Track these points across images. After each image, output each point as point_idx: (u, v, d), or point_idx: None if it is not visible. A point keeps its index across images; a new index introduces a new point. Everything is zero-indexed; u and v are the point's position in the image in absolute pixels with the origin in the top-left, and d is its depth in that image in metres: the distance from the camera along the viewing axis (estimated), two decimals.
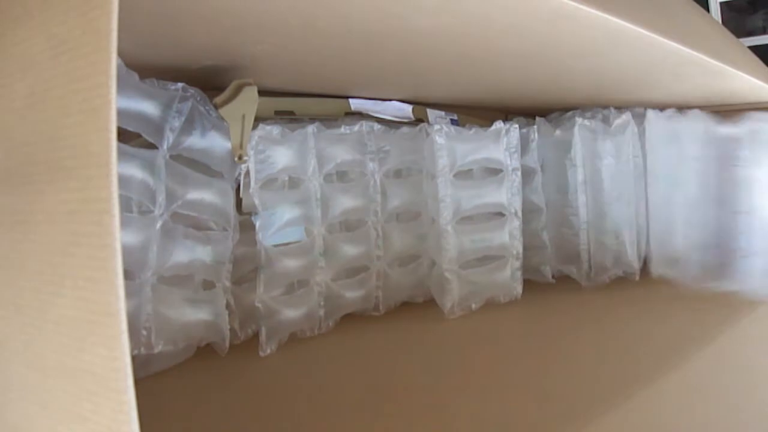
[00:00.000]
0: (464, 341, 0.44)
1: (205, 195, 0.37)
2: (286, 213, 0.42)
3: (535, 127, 0.56)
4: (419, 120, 0.54)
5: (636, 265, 0.57)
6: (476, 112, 0.62)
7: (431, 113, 0.56)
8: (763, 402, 0.38)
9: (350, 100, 0.50)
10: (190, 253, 0.36)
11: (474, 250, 0.50)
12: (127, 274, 0.33)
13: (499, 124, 0.51)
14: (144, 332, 0.34)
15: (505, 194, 0.51)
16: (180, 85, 0.36)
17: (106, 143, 0.15)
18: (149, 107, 0.34)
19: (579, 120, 0.56)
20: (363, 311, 0.49)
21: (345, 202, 0.46)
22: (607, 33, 0.33)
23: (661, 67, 0.45)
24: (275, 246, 0.42)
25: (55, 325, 0.16)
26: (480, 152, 0.50)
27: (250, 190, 0.40)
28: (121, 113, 0.33)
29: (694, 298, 0.56)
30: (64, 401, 0.16)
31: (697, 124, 0.57)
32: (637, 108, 0.64)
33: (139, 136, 0.34)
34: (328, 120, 0.47)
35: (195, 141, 0.37)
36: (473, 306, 0.50)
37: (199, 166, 0.37)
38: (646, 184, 0.57)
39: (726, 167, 0.56)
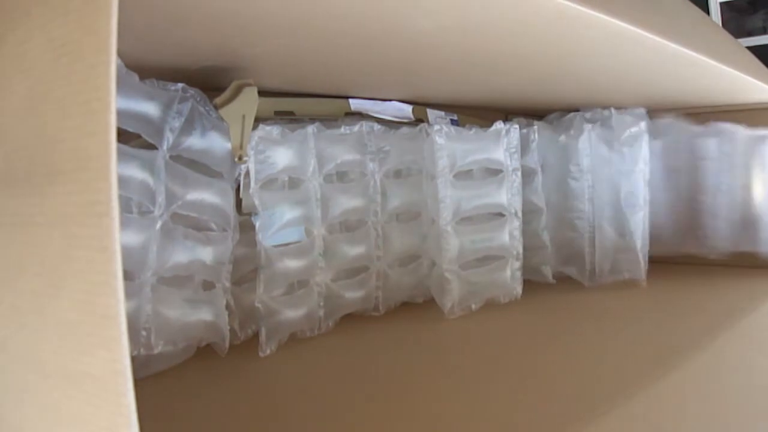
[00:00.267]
0: (464, 341, 0.44)
1: (205, 195, 0.37)
2: (286, 213, 0.42)
3: (535, 127, 0.56)
4: (419, 120, 0.54)
5: (642, 268, 0.57)
6: (476, 112, 0.62)
7: (431, 113, 0.56)
8: (763, 402, 0.38)
9: (350, 100, 0.50)
10: (190, 253, 0.36)
11: (474, 250, 0.50)
12: (127, 275, 0.33)
13: (499, 125, 0.51)
14: (144, 333, 0.34)
15: (505, 194, 0.51)
16: (180, 85, 0.36)
17: (106, 146, 0.15)
18: (149, 108, 0.34)
19: (588, 127, 0.56)
20: (363, 311, 0.49)
21: (345, 203, 0.46)
22: (607, 34, 0.33)
23: (660, 68, 0.45)
24: (275, 246, 0.41)
25: (55, 327, 0.16)
26: (480, 152, 0.50)
27: (250, 191, 0.40)
28: (121, 114, 0.33)
29: (694, 298, 0.56)
30: (64, 404, 0.16)
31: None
32: (637, 108, 0.64)
33: (139, 136, 0.34)
34: (328, 120, 0.47)
35: (195, 141, 0.37)
36: (473, 306, 0.50)
37: (199, 166, 0.37)
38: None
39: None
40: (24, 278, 0.17)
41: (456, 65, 0.42)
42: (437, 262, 0.49)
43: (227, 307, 0.39)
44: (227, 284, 0.39)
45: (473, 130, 0.50)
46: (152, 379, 0.36)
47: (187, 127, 0.36)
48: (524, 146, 0.54)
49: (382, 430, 0.29)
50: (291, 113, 0.46)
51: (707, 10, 1.02)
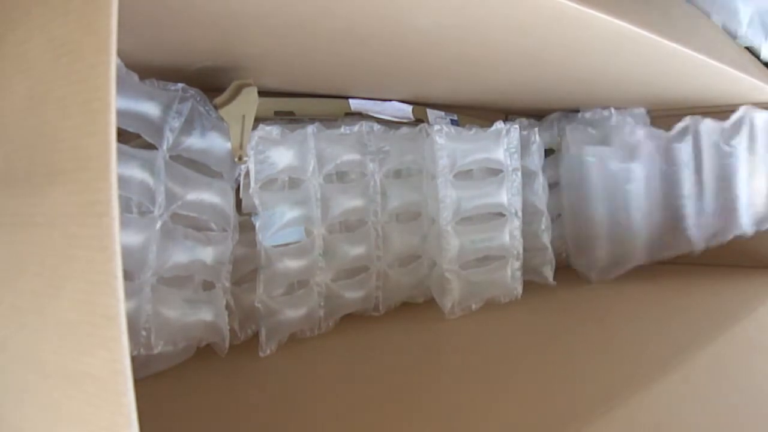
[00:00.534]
0: (464, 341, 0.44)
1: (204, 195, 0.37)
2: (286, 213, 0.42)
3: (536, 129, 0.56)
4: (419, 120, 0.54)
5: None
6: (476, 113, 0.62)
7: (431, 113, 0.56)
8: (762, 403, 0.38)
9: (350, 101, 0.50)
10: (190, 253, 0.36)
11: (474, 250, 0.50)
12: (127, 275, 0.33)
13: (499, 125, 0.51)
14: (144, 333, 0.34)
15: (506, 195, 0.51)
16: (180, 85, 0.36)
17: (106, 145, 0.15)
18: (149, 108, 0.34)
19: (604, 152, 0.58)
20: (363, 311, 0.49)
21: (345, 203, 0.46)
22: (607, 34, 0.33)
23: (660, 68, 0.45)
24: (275, 246, 0.41)
25: (55, 327, 0.16)
26: (480, 153, 0.50)
27: (250, 191, 0.40)
28: (121, 114, 0.33)
29: (694, 298, 0.56)
30: (64, 403, 0.16)
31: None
32: (637, 108, 0.65)
33: (138, 136, 0.34)
34: (328, 120, 0.47)
35: (195, 141, 0.37)
36: (473, 306, 0.50)
37: (198, 166, 0.37)
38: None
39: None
40: (24, 278, 0.17)
41: (456, 65, 0.42)
42: (437, 262, 0.49)
43: (227, 307, 0.39)
44: (227, 284, 0.39)
45: (473, 130, 0.50)
46: (152, 379, 0.36)
47: (187, 127, 0.36)
48: (525, 148, 0.54)
49: (383, 429, 0.29)
50: (291, 113, 0.46)
51: None
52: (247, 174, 0.40)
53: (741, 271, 0.64)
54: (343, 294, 0.46)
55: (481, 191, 0.50)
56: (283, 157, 0.42)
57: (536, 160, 0.56)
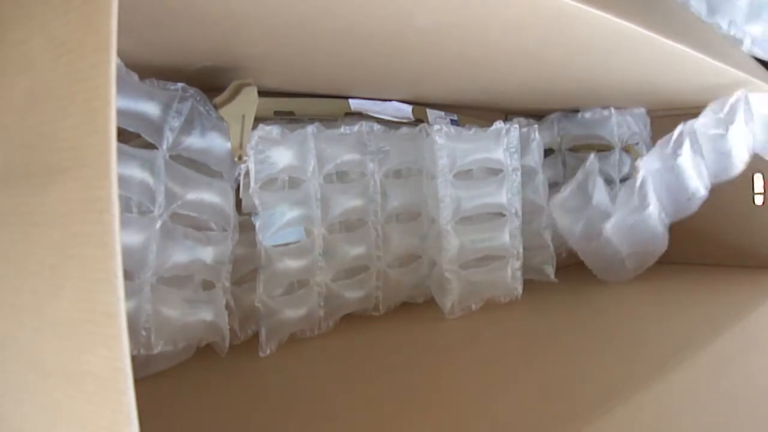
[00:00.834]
0: (464, 341, 0.44)
1: (204, 195, 0.37)
2: (286, 213, 0.42)
3: (536, 126, 0.56)
4: (419, 120, 0.54)
5: None
6: (476, 112, 0.62)
7: (431, 113, 0.56)
8: (762, 403, 0.38)
9: (350, 101, 0.50)
10: (190, 253, 0.36)
11: (474, 250, 0.50)
12: (127, 275, 0.33)
13: (499, 124, 0.51)
14: (144, 332, 0.34)
15: (506, 194, 0.51)
16: (180, 85, 0.36)
17: (106, 144, 0.15)
18: (149, 107, 0.34)
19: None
20: (363, 311, 0.49)
21: (345, 202, 0.46)
22: (607, 33, 0.33)
23: (661, 67, 0.45)
24: (275, 246, 0.41)
25: (55, 325, 0.16)
26: (480, 152, 0.50)
27: (250, 191, 0.40)
28: (121, 113, 0.33)
29: (694, 298, 0.56)
30: (64, 402, 0.16)
31: None
32: (637, 108, 0.65)
33: (138, 136, 0.34)
34: (328, 120, 0.47)
35: (194, 141, 0.37)
36: (473, 306, 0.50)
37: (198, 166, 0.37)
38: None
39: None
40: (24, 277, 0.17)
41: (456, 65, 0.42)
42: (437, 261, 0.49)
43: (227, 306, 0.39)
44: (227, 284, 0.39)
45: (473, 129, 0.50)
46: (152, 379, 0.36)
47: (187, 127, 0.36)
48: (524, 145, 0.54)
49: (383, 429, 0.29)
50: (291, 113, 0.46)
51: None
52: (247, 174, 0.40)
53: (741, 271, 0.64)
54: (343, 294, 0.46)
55: (480, 191, 0.50)
56: (283, 156, 0.42)
57: (536, 157, 0.56)
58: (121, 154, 0.32)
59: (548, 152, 0.64)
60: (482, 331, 0.46)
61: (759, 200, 0.65)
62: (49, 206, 0.17)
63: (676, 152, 0.56)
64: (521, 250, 0.52)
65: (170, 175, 0.35)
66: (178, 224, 0.36)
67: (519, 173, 0.52)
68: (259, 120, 0.40)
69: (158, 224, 0.35)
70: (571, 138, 0.65)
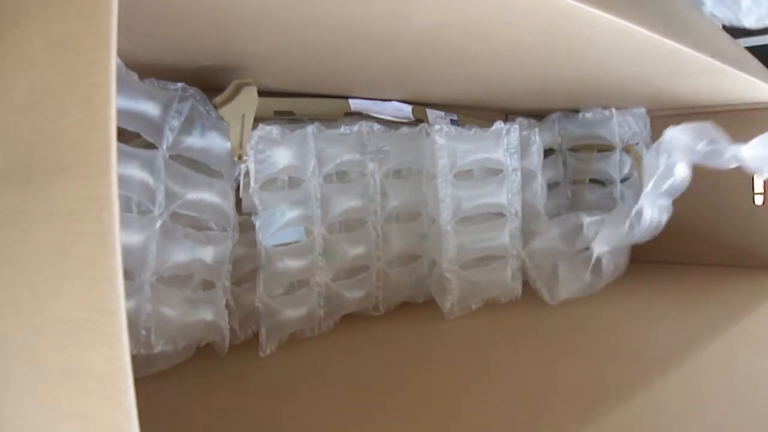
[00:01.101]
0: (464, 341, 0.44)
1: (204, 195, 0.37)
2: (286, 213, 0.42)
3: (536, 129, 0.56)
4: (419, 120, 0.54)
5: None
6: (476, 112, 0.62)
7: (431, 113, 0.56)
8: (762, 403, 0.38)
9: (350, 100, 0.50)
10: (190, 253, 0.36)
11: (474, 250, 0.50)
12: (127, 274, 0.33)
13: (499, 125, 0.51)
14: (144, 332, 0.33)
15: (506, 194, 0.51)
16: (179, 85, 0.36)
17: (106, 142, 0.15)
18: (149, 107, 0.34)
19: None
20: (363, 311, 0.49)
21: (345, 202, 0.46)
22: (607, 33, 0.33)
23: (661, 67, 0.45)
24: (275, 246, 0.41)
25: (55, 324, 0.16)
26: (480, 152, 0.50)
27: (250, 190, 0.40)
28: (121, 113, 0.33)
29: (694, 298, 0.56)
30: (64, 400, 0.16)
31: None
32: (637, 108, 0.65)
33: (138, 136, 0.34)
34: (328, 120, 0.47)
35: (194, 141, 0.37)
36: (473, 306, 0.50)
37: (198, 166, 0.37)
38: None
39: None
40: (24, 275, 0.17)
41: (456, 65, 0.42)
42: (437, 261, 0.49)
43: (227, 306, 0.39)
44: (227, 284, 0.39)
45: (473, 130, 0.50)
46: (152, 379, 0.36)
47: (187, 127, 0.36)
48: (524, 148, 0.54)
49: (383, 429, 0.29)
50: (291, 113, 0.46)
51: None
52: (247, 173, 0.40)
53: (741, 271, 0.64)
54: (343, 294, 0.46)
55: (481, 191, 0.50)
56: (282, 156, 0.42)
57: (535, 160, 0.55)
58: (121, 153, 0.32)
59: (548, 152, 0.64)
60: (482, 331, 0.46)
61: (759, 200, 0.65)
62: (49, 205, 0.17)
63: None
64: (521, 250, 0.52)
65: (170, 174, 0.35)
66: (178, 224, 0.36)
67: (519, 173, 0.52)
68: (259, 120, 0.40)
69: (158, 224, 0.35)
70: (572, 138, 0.65)
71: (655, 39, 0.34)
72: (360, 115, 0.50)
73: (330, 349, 0.42)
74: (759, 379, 0.40)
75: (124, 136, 0.34)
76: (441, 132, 0.47)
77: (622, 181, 0.64)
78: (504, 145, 0.51)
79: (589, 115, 0.64)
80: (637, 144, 0.65)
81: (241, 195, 0.41)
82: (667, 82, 0.52)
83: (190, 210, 0.37)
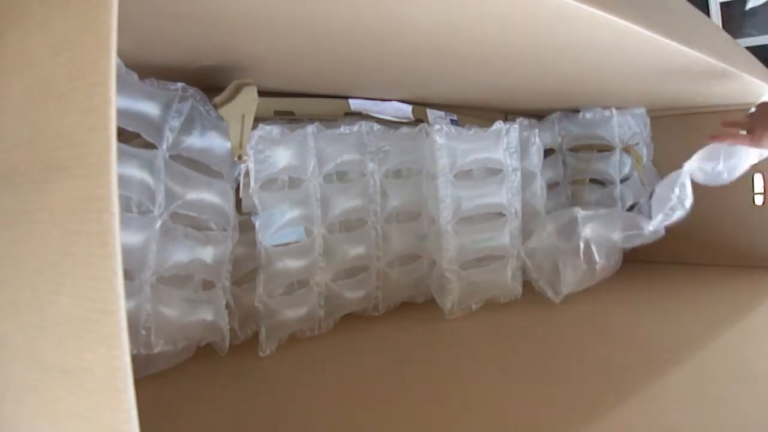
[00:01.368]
0: (464, 341, 0.44)
1: (204, 195, 0.37)
2: (286, 213, 0.42)
3: (536, 130, 0.56)
4: (419, 120, 0.54)
5: None
6: (476, 112, 0.62)
7: (431, 113, 0.56)
8: (762, 403, 0.38)
9: (350, 101, 0.50)
10: (190, 253, 0.36)
11: (474, 250, 0.50)
12: (127, 274, 0.33)
13: (499, 124, 0.51)
14: (144, 332, 0.33)
15: (505, 194, 0.51)
16: (180, 85, 0.36)
17: (106, 142, 0.15)
18: (149, 107, 0.34)
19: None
20: (363, 311, 0.49)
21: (345, 202, 0.46)
22: (608, 33, 0.33)
23: (662, 67, 0.45)
24: (275, 246, 0.41)
25: (55, 324, 0.16)
26: (480, 152, 0.50)
27: (250, 190, 0.40)
28: (121, 113, 0.33)
29: (694, 298, 0.56)
30: (64, 400, 0.16)
31: None
32: (637, 108, 0.65)
33: (138, 136, 0.34)
34: (328, 120, 0.47)
35: (194, 141, 0.37)
36: (473, 306, 0.50)
37: (198, 166, 0.37)
38: None
39: None
40: (24, 275, 0.17)
41: (455, 64, 0.42)
42: (437, 261, 0.49)
43: (227, 306, 0.39)
44: (227, 284, 0.39)
45: (473, 129, 0.50)
46: (152, 379, 0.36)
47: (187, 127, 0.36)
48: (524, 149, 0.54)
49: (383, 429, 0.29)
50: (291, 113, 0.46)
51: (707, 11, 1.02)
52: (247, 173, 0.40)
53: (741, 271, 0.64)
54: (343, 294, 0.46)
55: (481, 191, 0.50)
56: (282, 156, 0.42)
57: (535, 161, 0.55)
58: (121, 153, 0.32)
59: (548, 152, 0.64)
60: (482, 331, 0.46)
61: (759, 200, 0.65)
62: (49, 204, 0.17)
63: None
64: (521, 250, 0.52)
65: (170, 174, 0.35)
66: (178, 224, 0.36)
67: (519, 173, 0.52)
68: (259, 120, 0.40)
69: (158, 224, 0.34)
70: (572, 138, 0.65)
71: (655, 39, 0.34)
72: (360, 115, 0.50)
73: (330, 349, 0.42)
74: (759, 379, 0.40)
75: (124, 135, 0.34)
76: (441, 132, 0.47)
77: (622, 181, 0.64)
78: (504, 144, 0.51)
79: (589, 115, 0.64)
80: (637, 144, 0.65)
81: (241, 195, 0.40)
82: (667, 82, 0.52)
83: (190, 210, 0.36)
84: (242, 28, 0.30)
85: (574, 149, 0.66)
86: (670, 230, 0.54)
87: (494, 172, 0.51)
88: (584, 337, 0.44)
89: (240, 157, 0.38)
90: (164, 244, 0.35)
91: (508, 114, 0.66)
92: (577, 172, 0.66)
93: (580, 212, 0.53)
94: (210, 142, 0.37)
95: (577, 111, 0.65)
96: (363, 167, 0.47)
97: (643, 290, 0.59)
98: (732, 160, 0.51)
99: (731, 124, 0.52)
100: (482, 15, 0.30)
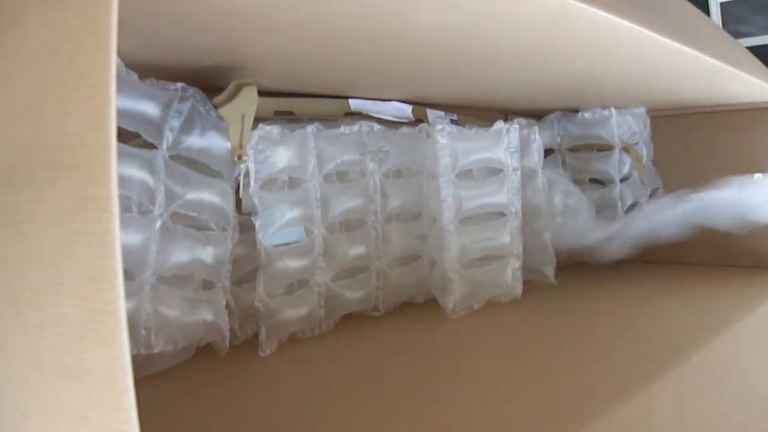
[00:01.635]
0: (466, 341, 0.44)
1: (204, 195, 0.37)
2: (286, 213, 0.42)
3: (536, 128, 0.56)
4: (419, 120, 0.54)
5: None
6: (476, 112, 0.62)
7: (431, 113, 0.56)
8: (762, 403, 0.38)
9: (350, 101, 0.50)
10: (190, 253, 0.36)
11: (475, 250, 0.50)
12: (127, 275, 0.33)
13: (499, 124, 0.51)
14: (144, 332, 0.33)
15: (506, 194, 0.51)
16: (179, 85, 0.36)
17: (106, 141, 0.15)
18: (149, 107, 0.34)
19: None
20: (363, 311, 0.49)
21: (345, 202, 0.46)
22: (608, 32, 0.33)
23: (661, 67, 0.45)
24: (275, 246, 0.41)
25: (55, 324, 0.16)
26: (482, 152, 0.50)
27: (250, 190, 0.40)
28: (121, 113, 0.33)
29: (694, 298, 0.56)
30: (64, 400, 0.16)
31: None
32: (637, 108, 0.65)
33: (138, 136, 0.34)
34: (328, 120, 0.47)
35: (194, 141, 0.37)
36: (474, 306, 0.50)
37: (198, 166, 0.37)
38: None
39: None
40: (24, 275, 0.17)
41: (456, 64, 0.42)
42: (438, 261, 0.49)
43: (227, 306, 0.39)
44: (227, 284, 0.39)
45: (474, 129, 0.50)
46: (152, 379, 0.36)
47: (187, 127, 0.36)
48: (525, 147, 0.54)
49: (383, 429, 0.29)
50: (290, 113, 0.46)
51: (707, 10, 1.02)
52: (247, 173, 0.40)
53: (741, 271, 0.64)
54: (343, 294, 0.46)
55: (481, 191, 0.50)
56: (282, 156, 0.42)
57: (536, 158, 0.55)
58: (121, 153, 0.32)
59: (548, 152, 0.64)
60: (484, 331, 0.46)
61: None
62: (49, 204, 0.17)
63: None
64: (521, 250, 0.52)
65: (170, 174, 0.35)
66: (178, 224, 0.36)
67: (519, 173, 0.52)
68: (259, 120, 0.40)
69: (158, 224, 0.34)
70: (571, 138, 0.65)
71: (655, 39, 0.34)
72: (360, 115, 0.50)
73: (330, 349, 0.42)
74: (759, 379, 0.40)
75: (124, 135, 0.34)
76: (443, 132, 0.47)
77: (622, 180, 0.64)
78: (504, 144, 0.51)
79: (588, 115, 0.64)
80: (637, 144, 0.65)
81: (241, 195, 0.41)
82: (667, 82, 0.52)
83: (190, 210, 0.37)
84: (242, 28, 0.30)
85: (573, 149, 0.66)
86: None
87: (495, 171, 0.51)
88: (584, 336, 0.44)
89: (240, 157, 0.38)
90: (164, 244, 0.35)
91: (508, 114, 0.66)
92: (577, 172, 0.66)
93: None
94: (210, 142, 0.37)
95: (576, 111, 0.65)
96: (363, 167, 0.47)
97: (643, 290, 0.59)
98: None
99: None
100: (483, 15, 0.30)
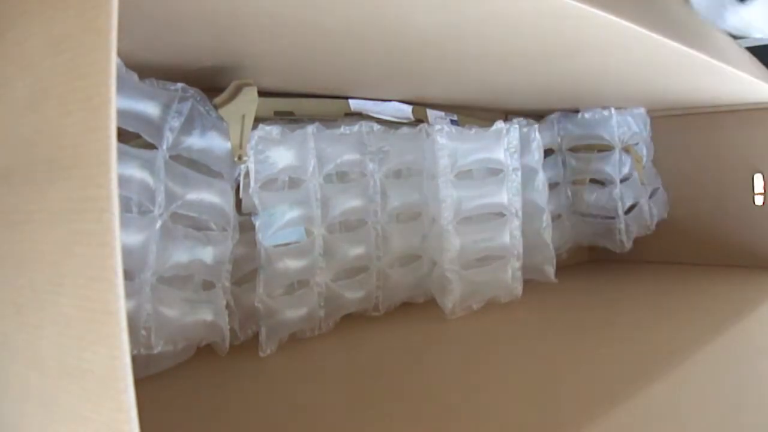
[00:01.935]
0: (465, 341, 0.44)
1: (204, 195, 0.37)
2: (286, 213, 0.42)
3: (536, 126, 0.56)
4: (419, 120, 0.54)
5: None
6: (476, 112, 0.62)
7: (431, 113, 0.56)
8: (762, 403, 0.38)
9: (350, 101, 0.50)
10: (190, 253, 0.36)
11: (475, 250, 0.50)
12: (127, 275, 0.33)
13: (499, 124, 0.51)
14: (144, 332, 0.33)
15: (506, 194, 0.51)
16: (179, 85, 0.36)
17: (106, 141, 0.15)
18: (149, 107, 0.34)
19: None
20: (363, 311, 0.49)
21: (345, 203, 0.46)
22: (608, 32, 0.33)
23: (661, 67, 0.45)
24: (275, 246, 0.41)
25: (55, 324, 0.16)
26: (481, 152, 0.50)
27: (250, 191, 0.40)
28: (121, 113, 0.33)
29: (694, 298, 0.56)
30: (64, 400, 0.16)
31: None
32: (637, 108, 0.65)
33: (138, 136, 0.34)
34: (328, 120, 0.47)
35: (194, 141, 0.37)
36: (474, 306, 0.50)
37: (198, 166, 0.37)
38: None
39: None
40: (24, 275, 0.17)
41: (456, 65, 0.42)
42: (438, 261, 0.49)
43: (227, 307, 0.39)
44: (227, 284, 0.39)
45: (474, 129, 0.50)
46: (152, 379, 0.36)
47: (187, 127, 0.36)
48: (525, 145, 0.54)
49: (383, 429, 0.29)
50: (291, 113, 0.46)
51: None
52: (247, 174, 0.40)
53: (741, 271, 0.64)
54: (343, 294, 0.46)
55: (481, 191, 0.50)
56: (283, 157, 0.42)
57: (536, 157, 0.55)
58: (121, 154, 0.32)
59: (548, 152, 0.64)
60: (483, 331, 0.46)
61: (759, 200, 0.65)
62: (49, 204, 0.17)
63: None
64: (521, 250, 0.52)
65: (170, 175, 0.35)
66: (178, 224, 0.36)
67: (519, 173, 0.52)
68: (259, 120, 0.40)
69: (158, 224, 0.34)
70: (571, 138, 0.65)
71: (655, 39, 0.34)
72: (360, 115, 0.50)
73: (330, 349, 0.42)
74: (759, 379, 0.40)
75: (124, 136, 0.34)
76: (442, 132, 0.47)
77: (622, 180, 0.64)
78: (504, 144, 0.51)
79: (588, 115, 0.64)
80: (637, 144, 0.65)
81: (241, 195, 0.41)
82: (667, 82, 0.52)
83: (190, 210, 0.37)
84: (242, 29, 0.30)
85: (573, 149, 0.66)
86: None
87: (494, 172, 0.51)
88: (584, 336, 0.44)
89: (240, 158, 0.38)
90: (164, 245, 0.35)
91: (508, 114, 0.66)
92: (577, 172, 0.66)
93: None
94: (210, 142, 0.37)
95: (576, 111, 0.65)
96: (363, 167, 0.47)
97: (643, 290, 0.59)
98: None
99: None
100: (483, 15, 0.30)
